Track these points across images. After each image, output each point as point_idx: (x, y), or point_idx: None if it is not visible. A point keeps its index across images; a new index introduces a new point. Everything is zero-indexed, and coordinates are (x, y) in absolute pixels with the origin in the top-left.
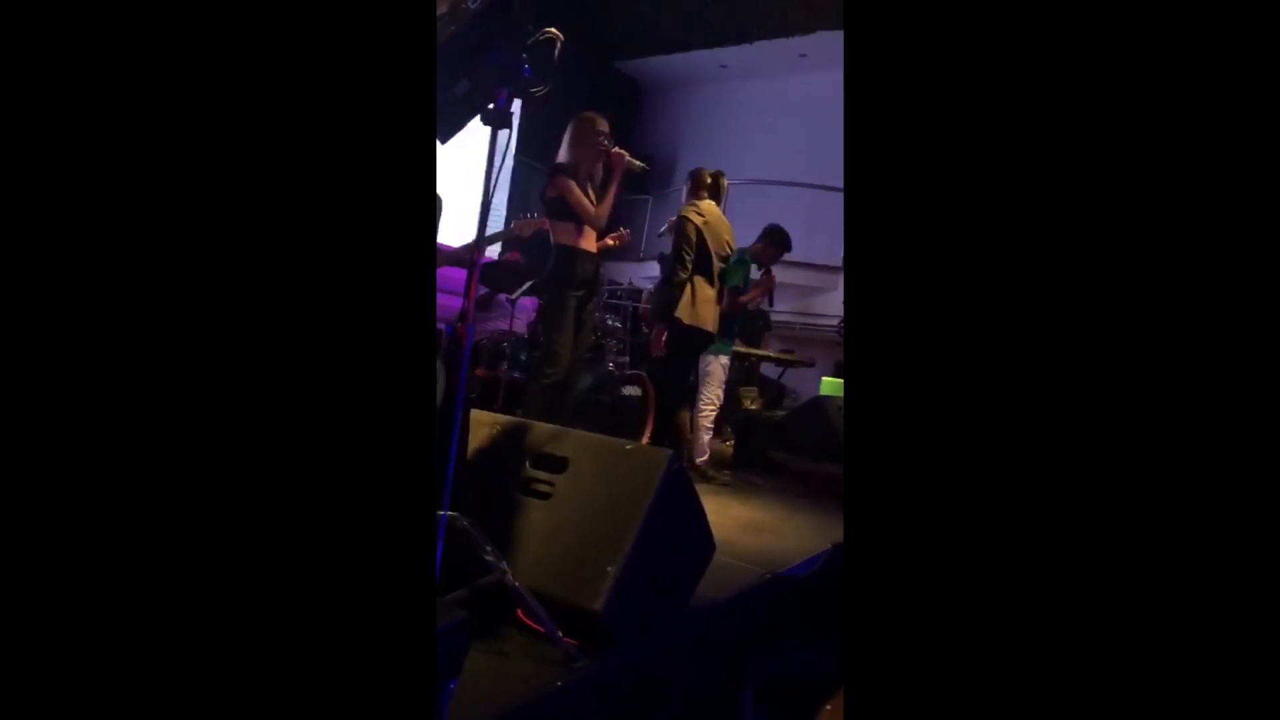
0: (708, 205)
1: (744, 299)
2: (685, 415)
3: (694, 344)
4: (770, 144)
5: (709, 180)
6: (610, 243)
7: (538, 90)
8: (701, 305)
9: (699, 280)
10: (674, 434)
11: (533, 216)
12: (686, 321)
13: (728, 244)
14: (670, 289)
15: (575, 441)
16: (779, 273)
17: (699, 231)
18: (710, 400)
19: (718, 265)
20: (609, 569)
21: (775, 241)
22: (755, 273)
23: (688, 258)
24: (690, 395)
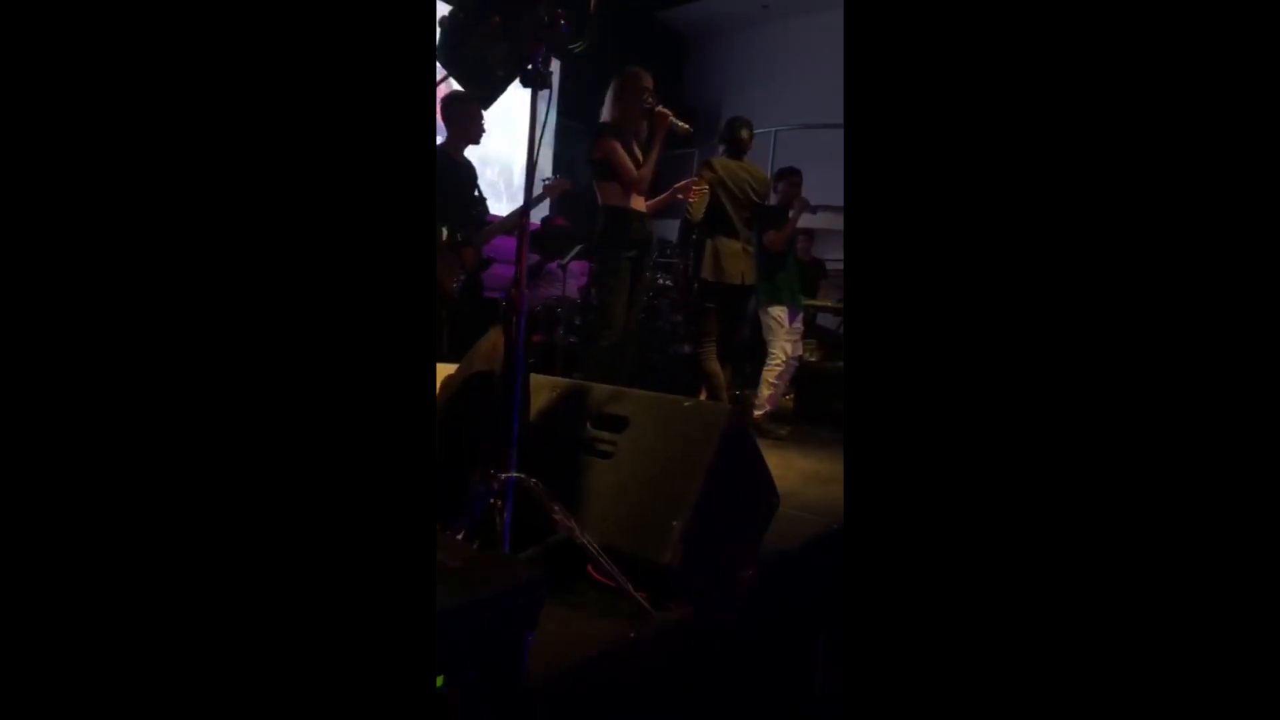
0: (719, 161)
1: (770, 240)
2: (720, 369)
3: (725, 299)
4: (819, 85)
5: (727, 133)
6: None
7: (576, 47)
8: (727, 260)
9: (720, 237)
10: (710, 388)
11: (558, 178)
12: (709, 279)
13: (753, 192)
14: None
15: (634, 400)
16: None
17: (713, 188)
18: (774, 355)
19: (742, 215)
20: (674, 523)
21: (786, 175)
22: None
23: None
24: (738, 351)
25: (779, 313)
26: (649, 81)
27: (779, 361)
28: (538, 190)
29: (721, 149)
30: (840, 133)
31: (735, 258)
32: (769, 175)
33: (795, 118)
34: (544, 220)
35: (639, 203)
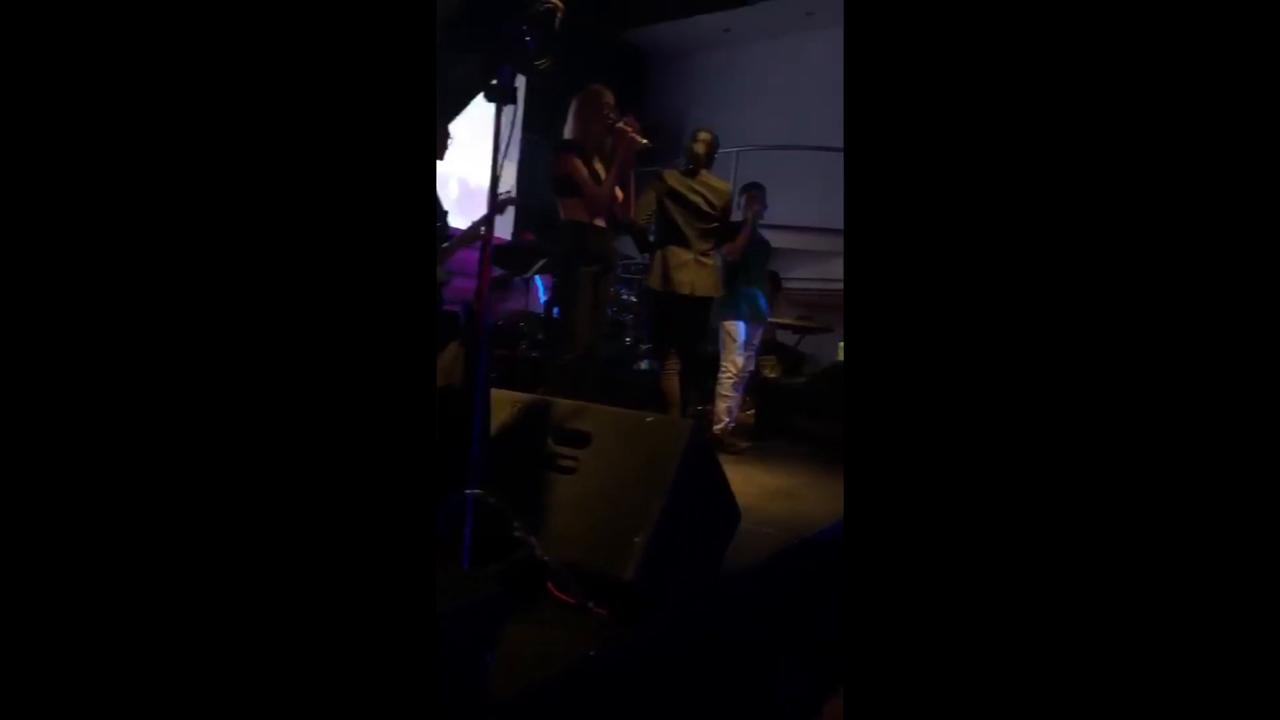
0: (670, 172)
1: (727, 250)
2: (673, 382)
3: (674, 309)
4: (780, 107)
5: (688, 145)
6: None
7: (541, 63)
8: (675, 270)
9: (670, 247)
10: (662, 401)
11: (507, 194)
12: (655, 288)
13: (707, 204)
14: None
15: (597, 416)
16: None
17: (660, 199)
18: (725, 368)
19: (696, 227)
20: (637, 539)
21: (747, 190)
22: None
23: (646, 228)
24: (690, 364)
25: (731, 327)
26: (610, 98)
27: (730, 374)
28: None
29: (681, 161)
30: (800, 155)
31: (684, 268)
32: (731, 188)
33: (757, 139)
34: (513, 235)
35: (601, 218)
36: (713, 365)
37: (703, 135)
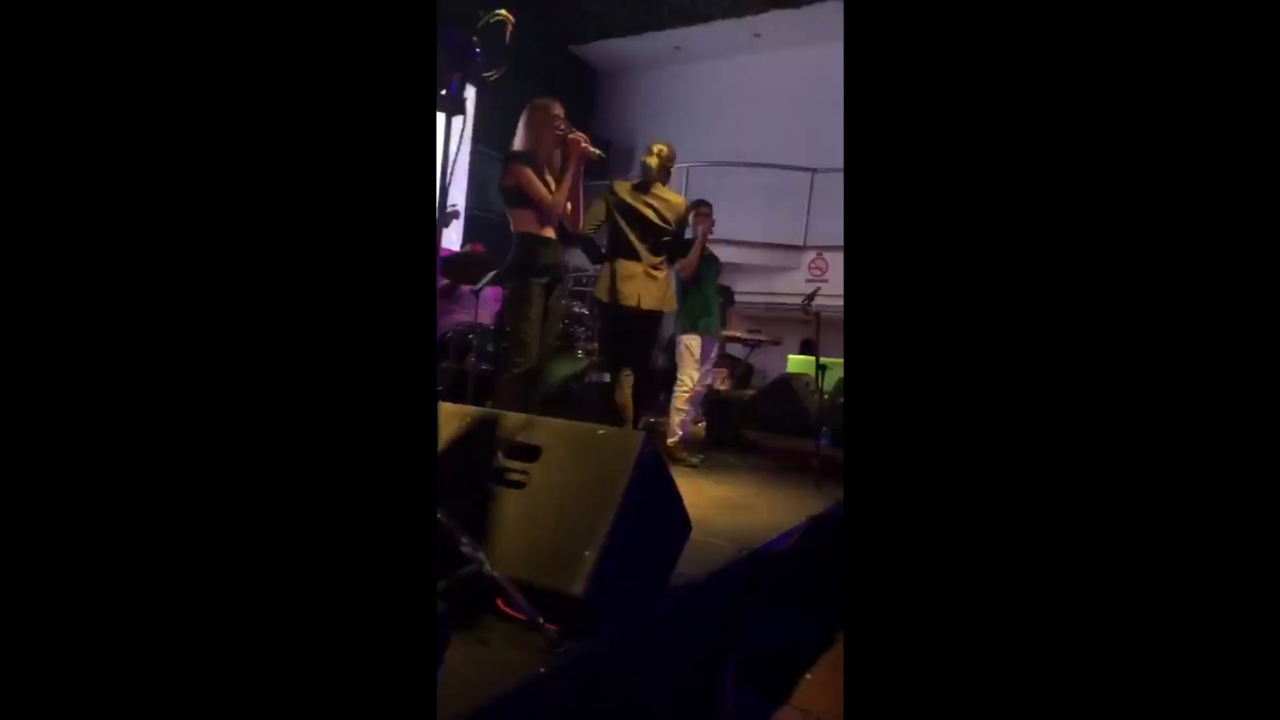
0: (621, 184)
1: (681, 266)
2: (626, 395)
3: (621, 322)
4: (729, 125)
5: (642, 158)
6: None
7: (490, 75)
8: (623, 281)
9: (620, 259)
10: (616, 414)
11: (454, 209)
12: (603, 299)
13: (660, 217)
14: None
15: (547, 429)
16: (740, 254)
17: (609, 210)
18: (681, 382)
19: (647, 240)
20: (587, 553)
21: (694, 207)
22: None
23: (597, 239)
24: (652, 379)
25: (691, 341)
26: (559, 110)
27: (686, 388)
28: (459, 217)
29: (637, 175)
30: (748, 171)
31: (632, 280)
32: (686, 203)
33: (706, 156)
34: (461, 247)
35: (551, 229)
36: (665, 379)
37: (656, 148)
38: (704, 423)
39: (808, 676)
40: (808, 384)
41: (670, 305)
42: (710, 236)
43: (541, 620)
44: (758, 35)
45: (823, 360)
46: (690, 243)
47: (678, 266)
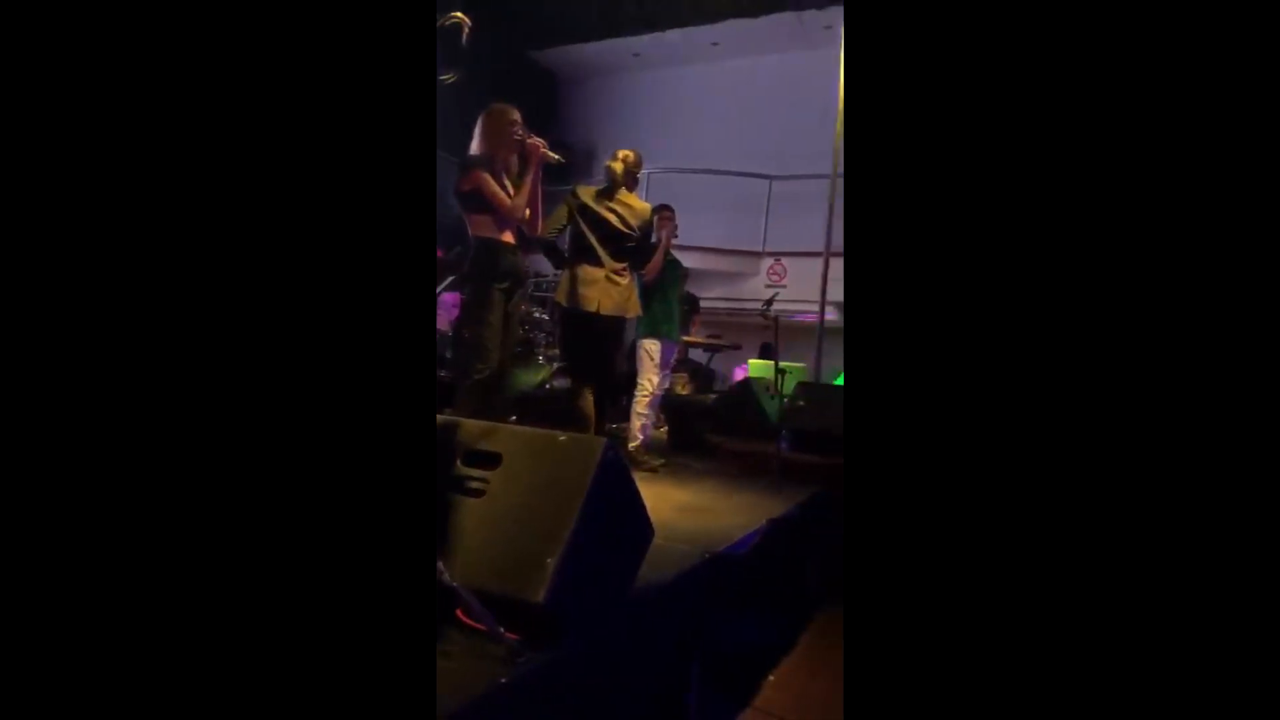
0: (584, 188)
1: (644, 271)
2: (587, 401)
3: (580, 326)
4: (687, 132)
5: (608, 163)
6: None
7: (447, 78)
8: (584, 286)
9: (582, 264)
10: (577, 420)
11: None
12: (562, 303)
13: (623, 223)
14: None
15: (507, 436)
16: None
17: (571, 215)
18: (642, 386)
19: (610, 245)
20: (548, 561)
21: (657, 212)
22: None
23: (557, 242)
24: (614, 384)
25: (651, 346)
26: (516, 115)
27: (646, 393)
28: None
29: (601, 180)
30: (709, 178)
31: (593, 285)
32: (651, 210)
33: (666, 162)
34: None
35: (510, 234)
36: (627, 383)
37: (622, 154)
38: (665, 427)
39: (770, 678)
40: (767, 387)
41: (633, 311)
42: (673, 242)
43: (502, 630)
44: (716, 44)
45: (781, 364)
46: (654, 249)
47: (642, 271)
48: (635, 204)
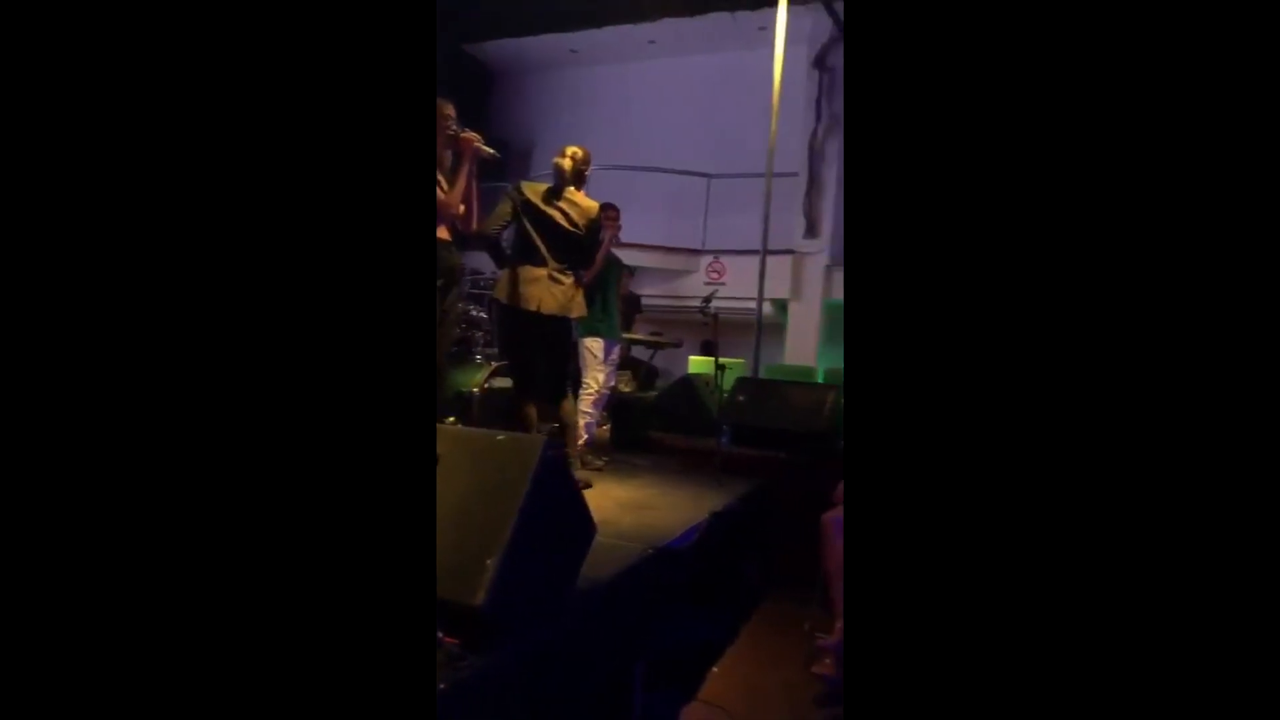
0: (529, 184)
1: (585, 272)
2: (529, 405)
3: (519, 325)
4: (625, 130)
5: (555, 160)
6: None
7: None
8: (525, 284)
9: (523, 262)
10: (520, 420)
11: None
12: (502, 300)
13: (569, 221)
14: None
15: (444, 436)
16: (642, 257)
17: (515, 211)
18: (586, 385)
19: (554, 244)
20: (488, 562)
21: (605, 210)
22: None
23: (498, 240)
24: (553, 383)
25: (594, 344)
26: (449, 109)
27: (591, 391)
28: None
29: (552, 178)
30: (648, 176)
31: (534, 284)
32: (599, 208)
33: (604, 160)
34: None
35: (444, 231)
36: (573, 383)
37: (570, 150)
38: (608, 425)
39: (714, 670)
40: (707, 383)
41: (576, 311)
42: (617, 240)
43: (441, 635)
44: (653, 42)
45: (721, 360)
46: (598, 249)
47: (582, 271)
48: (582, 202)
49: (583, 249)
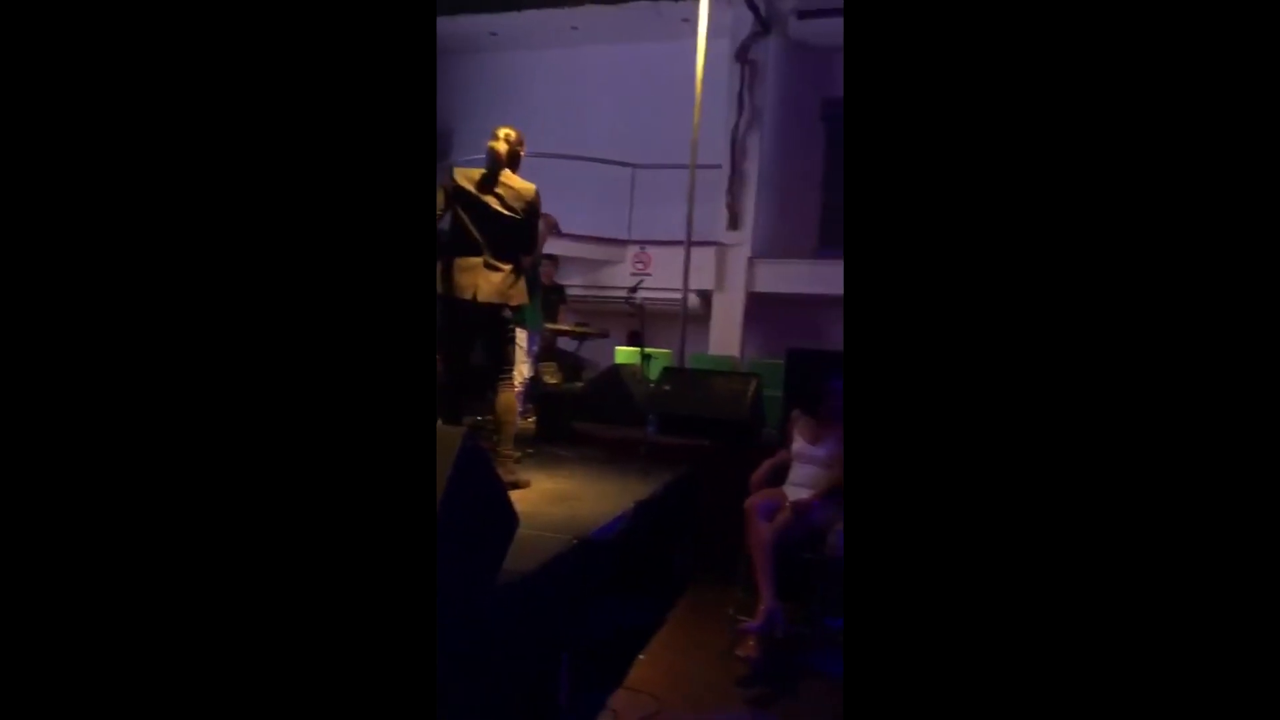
0: (463, 170)
1: (526, 261)
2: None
3: (457, 316)
4: (547, 117)
5: (489, 144)
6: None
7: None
8: (459, 274)
9: (456, 252)
10: (447, 412)
11: None
12: (439, 292)
13: (505, 206)
14: None
15: None
16: (567, 247)
17: (447, 200)
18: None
19: (489, 231)
20: None
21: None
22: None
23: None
24: (479, 373)
25: (518, 336)
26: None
27: (514, 382)
28: None
29: (485, 163)
30: (572, 165)
31: (469, 272)
32: (536, 190)
33: (528, 146)
34: None
35: None
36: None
37: (504, 133)
38: (534, 417)
39: (641, 657)
40: (634, 372)
41: (517, 299)
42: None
43: None
44: (575, 28)
45: (647, 350)
46: (534, 233)
47: (523, 258)
48: (517, 184)
49: (521, 233)
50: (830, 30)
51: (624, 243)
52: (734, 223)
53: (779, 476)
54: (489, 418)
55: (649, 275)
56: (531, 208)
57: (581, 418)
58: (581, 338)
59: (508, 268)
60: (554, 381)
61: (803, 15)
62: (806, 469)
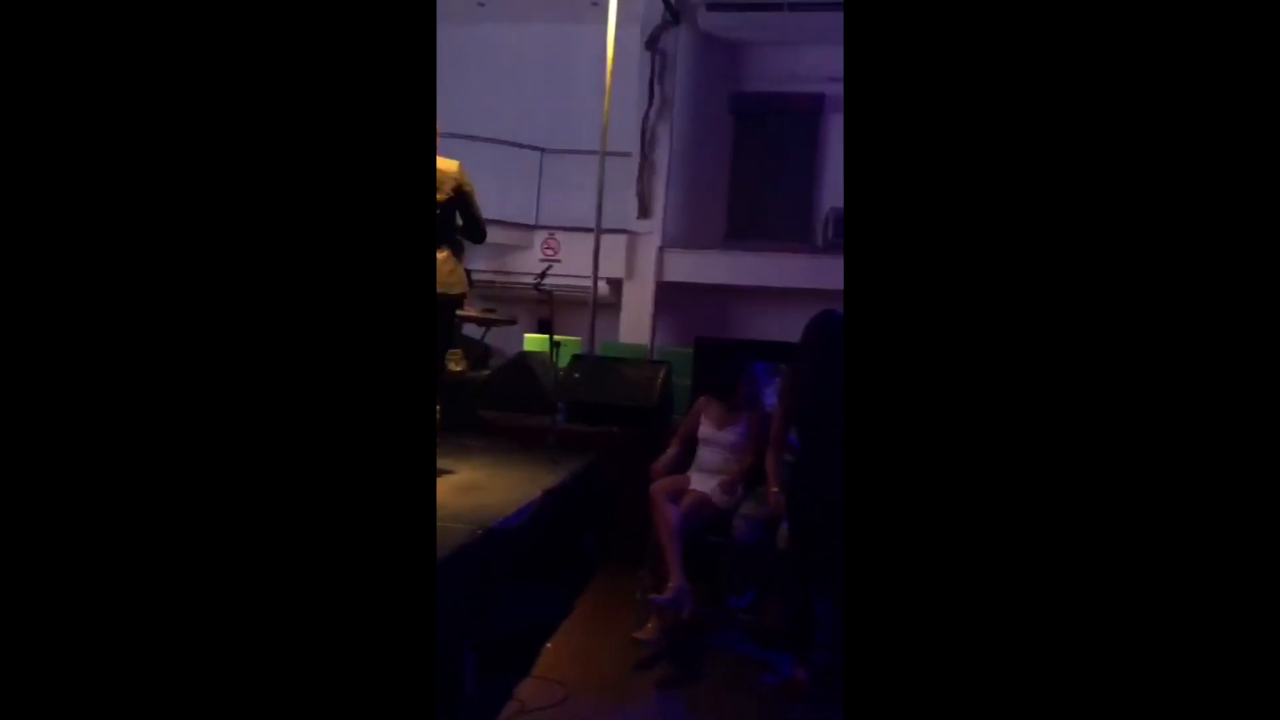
0: None
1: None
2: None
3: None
4: (450, 96)
5: None
6: None
7: None
8: None
9: None
10: None
11: None
12: None
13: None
14: None
15: None
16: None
17: None
18: None
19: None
20: None
21: None
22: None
23: None
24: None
25: None
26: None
27: None
28: None
29: None
30: (479, 147)
31: None
32: (460, 167)
33: (445, 129)
34: None
35: None
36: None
37: None
38: (439, 406)
39: (548, 645)
40: (543, 360)
41: (456, 288)
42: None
43: None
44: (482, 4)
45: (557, 337)
46: (473, 214)
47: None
48: (440, 164)
49: (452, 216)
50: (738, 24)
51: (532, 228)
52: (644, 211)
53: (682, 463)
54: None
55: (559, 261)
56: (459, 186)
57: (488, 406)
58: (488, 324)
59: (444, 254)
60: (459, 369)
61: (712, 7)
62: (713, 453)
